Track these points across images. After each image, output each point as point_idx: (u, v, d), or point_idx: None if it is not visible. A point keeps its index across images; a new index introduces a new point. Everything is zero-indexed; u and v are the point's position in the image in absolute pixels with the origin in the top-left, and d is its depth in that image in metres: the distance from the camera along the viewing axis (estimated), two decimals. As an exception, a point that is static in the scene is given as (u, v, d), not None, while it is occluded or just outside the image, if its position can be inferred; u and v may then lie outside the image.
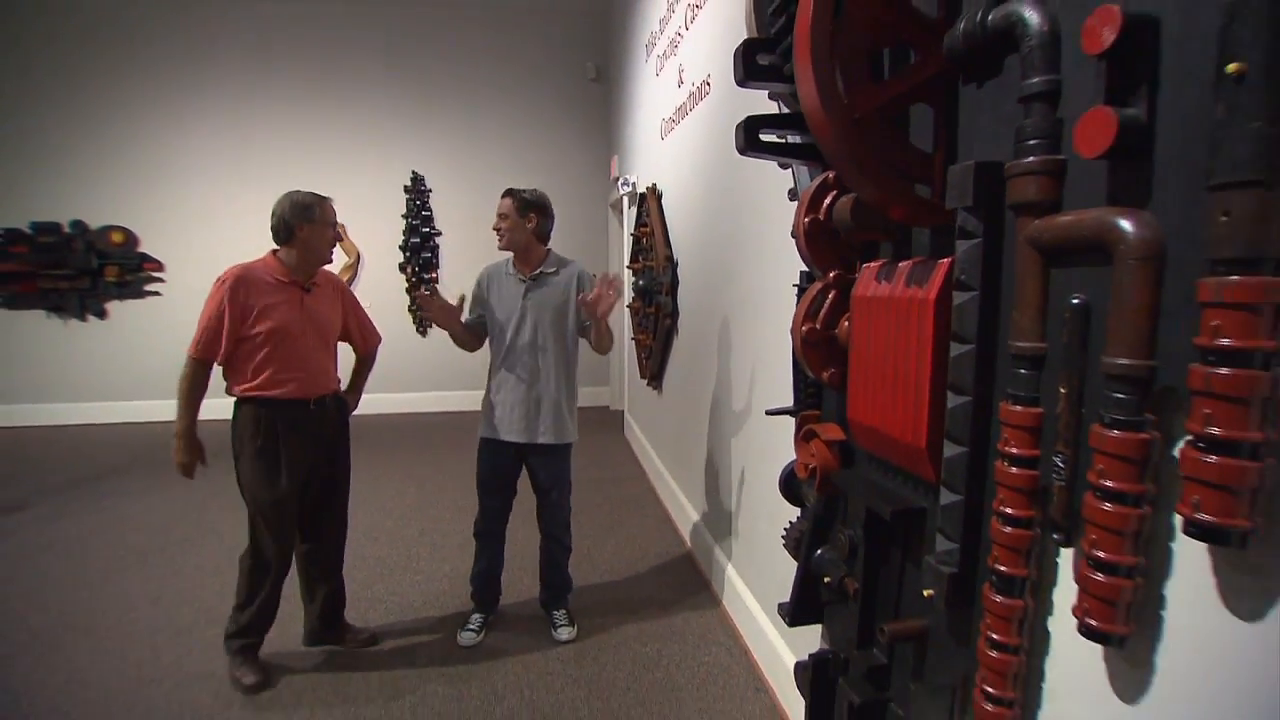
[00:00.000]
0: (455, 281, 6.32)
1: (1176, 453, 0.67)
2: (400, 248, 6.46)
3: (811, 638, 1.67)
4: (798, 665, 1.45)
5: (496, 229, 2.32)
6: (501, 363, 2.36)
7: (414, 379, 6.48)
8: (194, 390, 2.02)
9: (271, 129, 6.17)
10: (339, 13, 6.19)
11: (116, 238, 6.03)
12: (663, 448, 4.06)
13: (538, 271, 2.34)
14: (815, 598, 1.46)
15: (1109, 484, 0.72)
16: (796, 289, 1.55)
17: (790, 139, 1.38)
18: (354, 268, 6.40)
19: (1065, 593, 0.85)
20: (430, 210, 6.48)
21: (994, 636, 0.91)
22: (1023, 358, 0.84)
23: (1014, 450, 0.85)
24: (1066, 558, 0.85)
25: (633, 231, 4.59)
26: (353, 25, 6.22)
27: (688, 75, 3.16)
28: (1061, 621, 0.87)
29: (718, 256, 2.71)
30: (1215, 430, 0.60)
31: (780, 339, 1.89)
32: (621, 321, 5.29)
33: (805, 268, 1.44)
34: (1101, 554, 0.73)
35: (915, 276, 1.04)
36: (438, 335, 2.19)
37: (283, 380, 2.05)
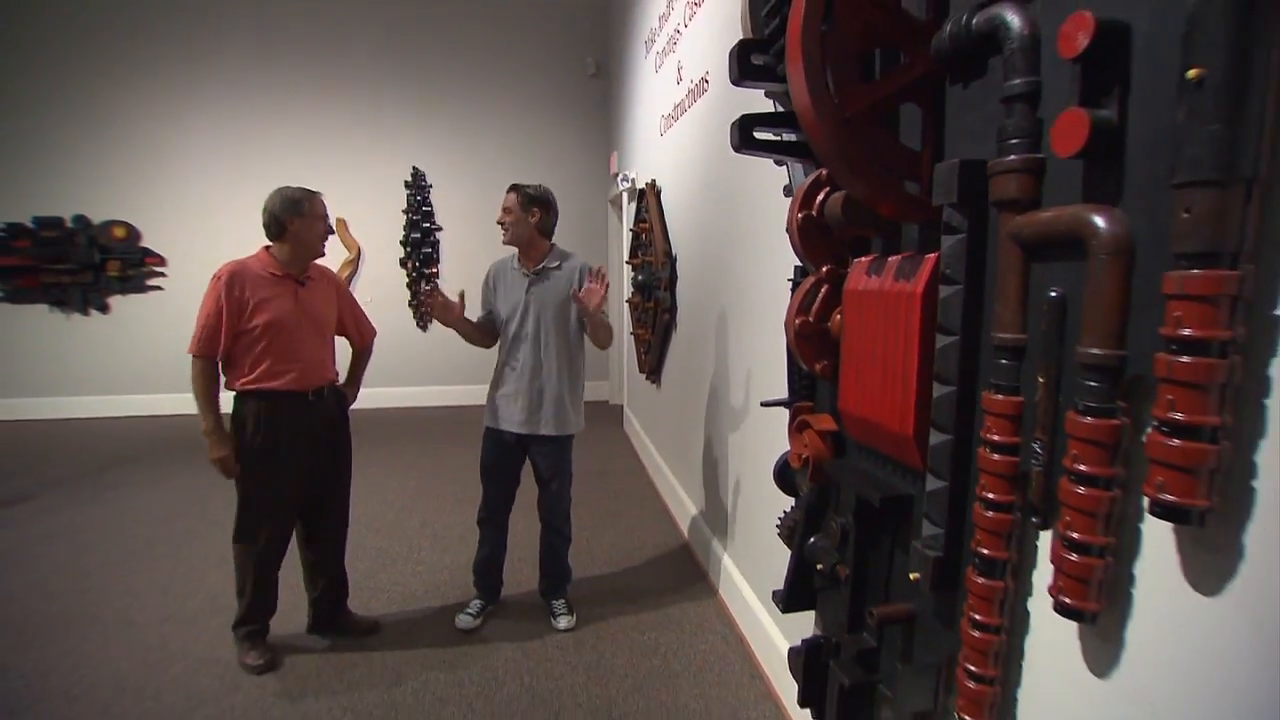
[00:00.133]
0: (455, 276, 6.35)
1: (1145, 438, 0.70)
2: (401, 243, 6.48)
3: (805, 626, 1.71)
4: (791, 650, 1.49)
5: (501, 223, 2.36)
6: (506, 355, 2.40)
7: (415, 373, 6.52)
8: (209, 388, 2.05)
9: (272, 125, 6.19)
10: (339, 9, 6.20)
11: (118, 232, 6.06)
12: (661, 441, 4.10)
13: (541, 266, 2.37)
14: (808, 585, 1.50)
15: (1082, 468, 0.76)
16: (791, 283, 1.58)
17: (785, 137, 1.41)
18: (355, 263, 6.44)
19: (1044, 574, 0.89)
20: (431, 206, 6.50)
21: (976, 617, 0.94)
22: (1004, 348, 0.88)
23: (996, 437, 0.89)
24: (1045, 541, 0.89)
25: (632, 227, 4.62)
26: (353, 21, 6.23)
27: (686, 72, 3.18)
28: (1040, 602, 0.90)
29: (716, 252, 2.74)
30: (1178, 415, 0.64)
31: (776, 333, 1.92)
32: (621, 316, 5.32)
33: (799, 263, 1.48)
34: (1075, 535, 0.77)
35: (904, 271, 1.08)
36: (438, 330, 2.22)
37: (280, 372, 2.09)
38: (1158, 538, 0.73)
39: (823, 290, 1.30)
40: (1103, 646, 0.80)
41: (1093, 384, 0.74)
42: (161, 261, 6.17)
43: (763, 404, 1.72)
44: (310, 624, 2.36)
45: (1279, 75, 0.57)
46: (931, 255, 1.03)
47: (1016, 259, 0.85)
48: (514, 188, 2.36)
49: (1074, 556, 0.77)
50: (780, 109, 1.45)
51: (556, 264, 2.39)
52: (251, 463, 2.09)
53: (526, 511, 2.60)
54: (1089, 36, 0.69)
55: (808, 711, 1.45)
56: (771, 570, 2.05)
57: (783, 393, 1.63)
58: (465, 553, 2.93)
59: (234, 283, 2.04)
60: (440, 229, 6.54)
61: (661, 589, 2.73)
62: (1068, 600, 0.79)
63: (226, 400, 2.09)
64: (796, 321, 1.31)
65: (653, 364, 4.11)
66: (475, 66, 6.41)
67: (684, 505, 3.33)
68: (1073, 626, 0.84)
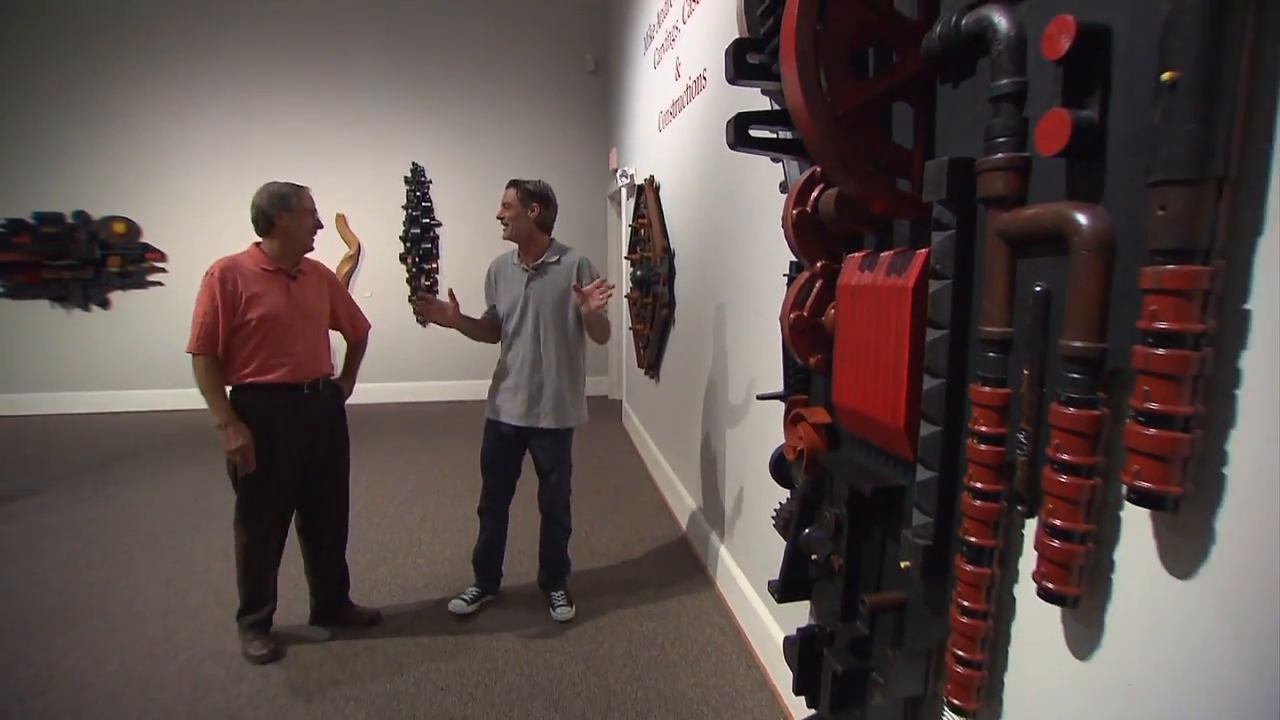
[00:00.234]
0: (455, 271, 6.37)
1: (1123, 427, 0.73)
2: (401, 238, 6.49)
3: (800, 616, 1.74)
4: (786, 639, 1.52)
5: (500, 218, 2.38)
6: (507, 349, 2.43)
7: (415, 368, 6.55)
8: (214, 383, 2.07)
9: (272, 121, 6.19)
10: (339, 5, 6.20)
11: (119, 228, 6.07)
12: (660, 435, 4.12)
13: (540, 261, 2.40)
14: (803, 575, 1.53)
15: (1065, 457, 0.78)
16: (786, 278, 1.61)
17: (781, 134, 1.43)
18: (355, 258, 6.45)
19: (1029, 561, 0.91)
20: (430, 201, 6.51)
21: (964, 603, 0.97)
22: (991, 342, 0.90)
23: (983, 429, 0.91)
24: (1030, 528, 0.91)
25: (631, 223, 4.64)
26: (353, 17, 6.23)
27: (685, 69, 3.20)
28: (1025, 588, 0.93)
29: (713, 247, 2.76)
30: (1153, 405, 0.66)
31: (773, 327, 1.94)
32: (620, 312, 5.34)
33: (795, 258, 1.50)
34: (1058, 522, 0.79)
35: (895, 266, 1.10)
36: (437, 325, 2.25)
37: (275, 366, 2.11)
38: (1136, 525, 0.75)
39: (817, 285, 1.32)
40: (1084, 630, 0.83)
41: (1074, 376, 0.77)
42: (162, 257, 6.18)
43: (758, 397, 1.74)
44: (313, 615, 2.39)
45: (1248, 79, 0.60)
46: (922, 251, 1.05)
47: (1003, 255, 0.87)
48: (513, 183, 2.38)
49: (1056, 543, 0.80)
50: (776, 107, 1.47)
51: (555, 259, 2.41)
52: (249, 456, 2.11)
53: (527, 504, 2.62)
54: (1070, 39, 0.71)
55: (803, 700, 1.48)
56: (768, 562, 2.08)
57: (779, 386, 1.66)
58: (465, 546, 2.96)
59: (226, 278, 2.06)
60: (440, 224, 6.55)
61: (660, 581, 2.76)
62: (1050, 585, 0.81)
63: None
64: (791, 316, 1.34)
65: (651, 359, 4.14)
66: (475, 63, 6.42)
67: (682, 498, 3.36)
68: (1056, 611, 0.87)
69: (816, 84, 0.99)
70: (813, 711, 1.50)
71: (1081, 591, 0.80)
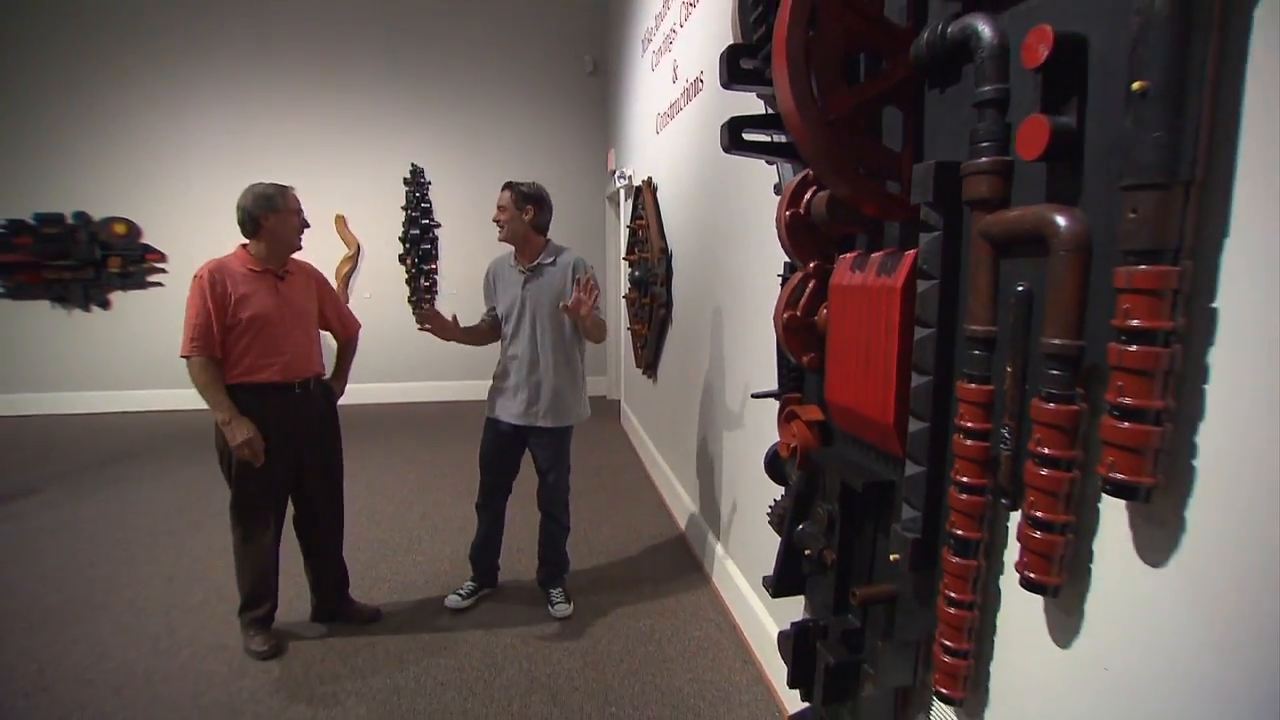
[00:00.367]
0: (454, 273, 6.39)
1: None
2: (400, 239, 6.50)
3: (795, 611, 1.77)
4: (780, 634, 1.55)
5: (496, 220, 2.41)
6: (506, 349, 2.47)
7: (414, 368, 6.57)
8: (213, 382, 2.08)
9: (271, 122, 6.22)
10: (339, 6, 6.23)
11: (119, 229, 6.10)
12: (657, 434, 4.15)
13: (536, 262, 2.43)
14: (797, 570, 1.55)
15: (1045, 451, 0.81)
16: (780, 279, 1.64)
17: (776, 138, 1.46)
18: (354, 259, 6.48)
19: (1013, 553, 0.94)
20: (430, 202, 6.51)
21: (951, 594, 1.00)
22: (976, 340, 0.93)
23: (968, 424, 0.94)
24: (1014, 521, 0.94)
25: (629, 224, 4.67)
26: (353, 18, 6.26)
27: (682, 71, 3.22)
28: (1010, 579, 0.96)
29: (710, 248, 2.79)
30: (1126, 400, 0.69)
31: (768, 327, 1.97)
32: (618, 312, 5.37)
33: (788, 259, 1.53)
34: (1039, 514, 0.82)
35: (885, 267, 1.13)
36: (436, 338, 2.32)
37: (265, 365, 2.13)
38: (1113, 516, 0.78)
39: (810, 285, 1.35)
40: (1065, 618, 0.86)
41: (1054, 372, 0.79)
42: (162, 258, 6.20)
43: (753, 395, 1.77)
44: (313, 612, 2.42)
45: (1212, 89, 0.62)
46: (911, 251, 1.08)
47: (987, 255, 0.90)
48: (508, 185, 2.41)
49: (1038, 534, 0.83)
50: (770, 111, 1.49)
51: (551, 260, 2.44)
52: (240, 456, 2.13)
53: (526, 502, 2.65)
54: (1049, 48, 0.74)
55: (797, 693, 1.51)
56: (763, 558, 2.11)
57: (774, 385, 1.69)
58: (464, 543, 2.98)
59: (215, 280, 2.08)
60: (439, 225, 6.53)
61: (657, 578, 2.79)
62: (1032, 575, 0.84)
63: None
64: (785, 315, 1.37)
65: (649, 359, 4.16)
66: (474, 64, 6.44)
67: (679, 497, 3.39)
68: (1038, 600, 0.90)
69: (808, 89, 1.02)
70: (806, 704, 1.53)
71: (1062, 581, 0.82)
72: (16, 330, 6.09)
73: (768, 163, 1.74)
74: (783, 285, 1.50)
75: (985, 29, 0.88)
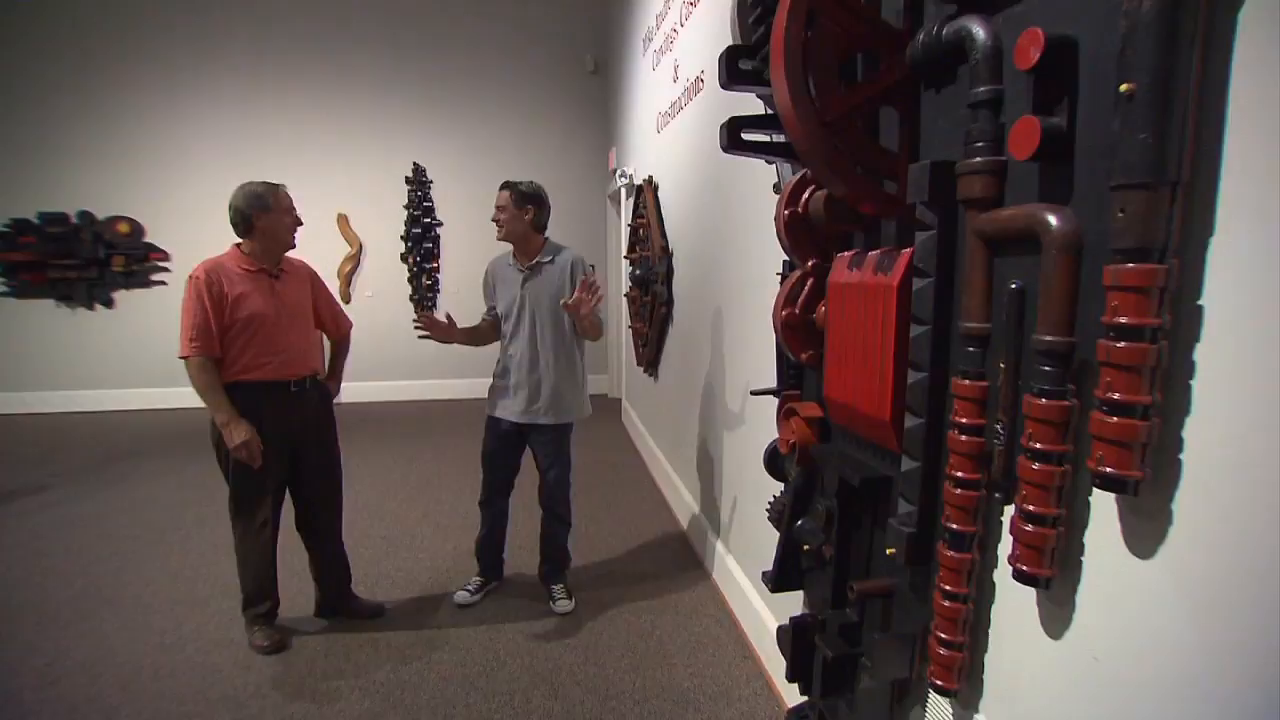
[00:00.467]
0: (455, 271, 6.42)
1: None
2: (402, 238, 6.54)
3: (794, 607, 1.79)
4: (780, 628, 1.57)
5: (495, 220, 2.42)
6: (506, 348, 2.49)
7: (417, 367, 6.59)
8: (213, 384, 2.09)
9: (274, 121, 6.24)
10: (342, 7, 6.25)
11: (123, 228, 6.13)
12: (658, 432, 4.17)
13: (535, 261, 2.44)
14: (796, 565, 1.57)
15: (1037, 446, 0.82)
16: (780, 277, 1.65)
17: (775, 138, 1.47)
18: (356, 258, 6.50)
19: (1007, 546, 0.96)
20: (431, 201, 6.56)
21: (946, 588, 1.02)
22: (970, 337, 0.94)
23: (963, 420, 0.96)
24: (1007, 515, 0.95)
25: (630, 222, 4.68)
26: (355, 19, 6.28)
27: (682, 71, 3.24)
28: (1004, 572, 0.97)
29: (710, 247, 2.81)
30: (1115, 395, 0.71)
31: (768, 325, 1.98)
32: (620, 311, 5.38)
33: (787, 257, 1.54)
34: (1031, 507, 0.84)
35: (882, 265, 1.14)
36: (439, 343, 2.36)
37: (262, 363, 2.15)
38: (1103, 509, 0.80)
39: (808, 283, 1.36)
40: (1057, 610, 0.88)
41: (1046, 368, 0.81)
42: (165, 257, 6.23)
43: (752, 392, 1.79)
44: (317, 607, 2.45)
45: (1198, 91, 0.64)
46: (908, 250, 1.09)
47: (981, 254, 0.92)
48: (506, 185, 2.42)
49: (1030, 527, 0.84)
50: (769, 111, 1.51)
51: (550, 258, 2.46)
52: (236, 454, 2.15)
53: (528, 499, 2.67)
54: (1040, 50, 0.75)
55: (796, 687, 1.53)
56: (763, 555, 2.13)
57: (773, 382, 1.70)
58: (466, 540, 3.01)
59: (212, 280, 2.09)
60: (441, 224, 6.60)
61: (658, 574, 2.81)
62: (1025, 568, 0.86)
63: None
64: (783, 313, 1.38)
65: (650, 357, 4.18)
66: (476, 63, 6.46)
67: (680, 494, 3.41)
68: (1031, 593, 0.92)
69: (805, 90, 1.03)
70: (805, 698, 1.55)
71: (1054, 573, 0.84)
72: (22, 329, 6.12)
73: (767, 162, 1.75)
74: (782, 283, 1.52)
75: (979, 31, 0.89)
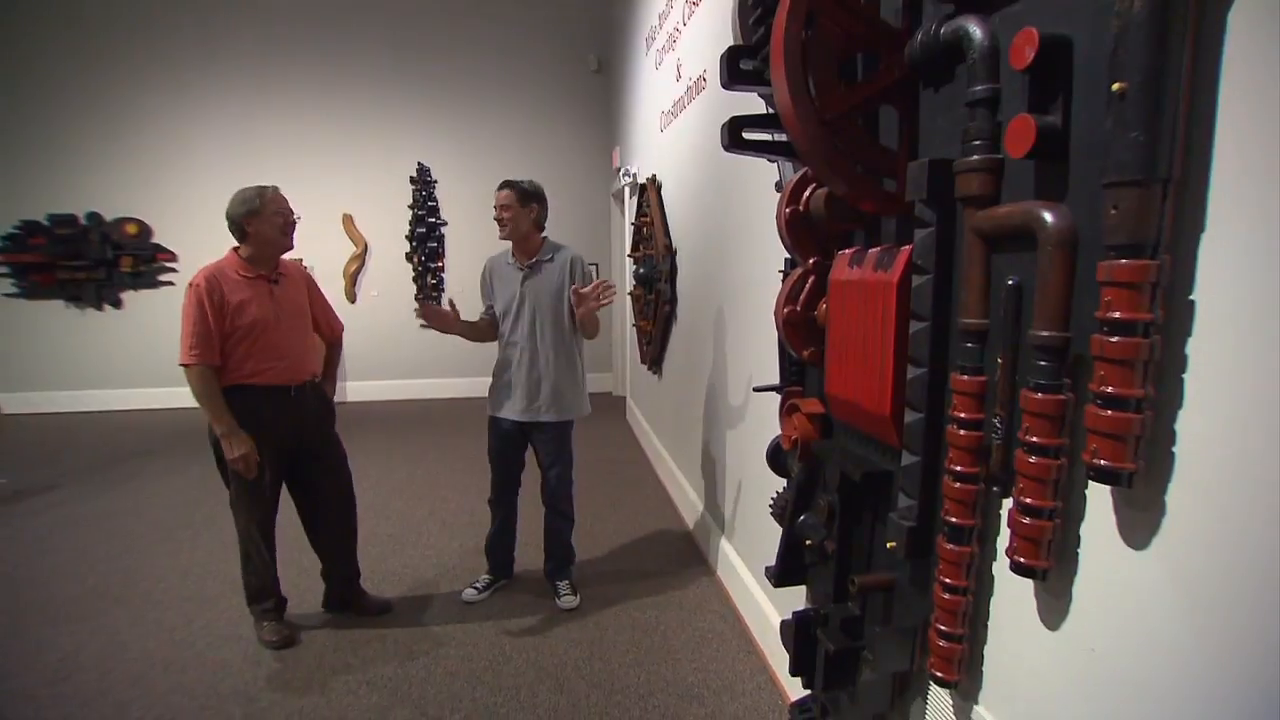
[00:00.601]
0: (460, 270, 6.44)
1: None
2: (407, 238, 6.57)
3: (797, 602, 1.80)
4: (782, 623, 1.58)
5: (499, 219, 2.43)
6: (505, 347, 2.50)
7: (422, 366, 6.63)
8: (213, 394, 2.10)
9: (279, 122, 6.28)
10: (345, 7, 6.28)
11: (131, 229, 6.18)
12: (662, 430, 4.18)
13: (535, 260, 2.46)
14: (799, 560, 1.58)
15: (1034, 439, 0.84)
16: (782, 275, 1.66)
17: (777, 137, 1.48)
18: (361, 258, 6.54)
19: (1005, 540, 0.97)
20: (436, 201, 6.58)
21: (946, 580, 1.03)
22: (969, 333, 0.96)
23: (962, 415, 0.97)
24: (1005, 508, 0.97)
25: (634, 221, 4.69)
26: (359, 21, 6.31)
27: (685, 70, 3.25)
28: (1003, 565, 0.99)
29: (714, 245, 2.82)
30: (1109, 389, 0.72)
31: (770, 322, 2.00)
32: (624, 309, 5.40)
33: (789, 255, 1.56)
34: (1028, 500, 0.85)
35: (882, 262, 1.16)
36: (438, 332, 2.38)
37: (265, 369, 2.17)
38: (1099, 501, 0.81)
39: (810, 281, 1.38)
40: (1054, 602, 0.89)
41: (1043, 363, 0.82)
42: (173, 257, 6.28)
43: (755, 389, 1.80)
44: (325, 600, 2.48)
45: (1188, 90, 0.65)
46: (907, 247, 1.11)
47: (979, 250, 0.93)
48: (508, 184, 2.43)
49: (1027, 520, 0.86)
50: (771, 110, 1.52)
51: (549, 257, 2.48)
52: None
53: (532, 497, 2.69)
54: (1035, 50, 0.77)
55: (799, 681, 1.54)
56: (766, 551, 2.14)
57: (776, 379, 1.71)
58: (472, 537, 3.03)
59: (213, 287, 2.10)
60: (445, 223, 6.62)
61: (662, 571, 2.83)
62: (1022, 560, 0.87)
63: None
64: (785, 310, 1.40)
65: (654, 355, 4.19)
66: (479, 63, 6.48)
67: (684, 491, 3.43)
68: (1029, 585, 0.93)
69: (805, 89, 1.04)
70: (808, 692, 1.56)
71: (1051, 565, 0.85)
72: (31, 330, 6.18)
73: (769, 160, 1.77)
74: (783, 281, 1.53)
75: (976, 30, 0.90)
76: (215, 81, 6.17)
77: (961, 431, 0.97)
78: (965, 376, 0.96)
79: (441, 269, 6.59)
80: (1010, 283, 0.89)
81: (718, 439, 2.84)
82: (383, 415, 5.71)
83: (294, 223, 2.25)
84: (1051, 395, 0.81)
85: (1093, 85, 0.75)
